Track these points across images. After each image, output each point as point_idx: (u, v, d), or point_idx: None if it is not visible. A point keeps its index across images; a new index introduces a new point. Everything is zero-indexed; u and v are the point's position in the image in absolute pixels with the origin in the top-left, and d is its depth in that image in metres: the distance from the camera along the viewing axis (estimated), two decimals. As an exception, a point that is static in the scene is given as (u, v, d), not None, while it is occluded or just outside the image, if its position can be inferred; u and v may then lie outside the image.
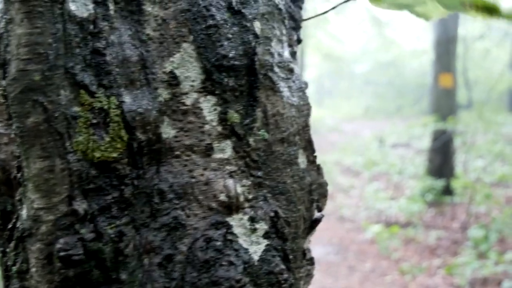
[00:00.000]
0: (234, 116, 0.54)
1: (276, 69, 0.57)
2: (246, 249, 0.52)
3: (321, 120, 21.04)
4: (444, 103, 7.34)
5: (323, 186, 0.61)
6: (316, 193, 0.60)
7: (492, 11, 0.67)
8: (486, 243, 5.22)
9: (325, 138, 15.20)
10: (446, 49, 7.38)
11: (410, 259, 5.24)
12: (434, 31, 7.75)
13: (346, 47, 30.02)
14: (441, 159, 7.35)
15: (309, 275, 0.64)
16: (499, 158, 9.18)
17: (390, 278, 4.76)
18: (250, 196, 0.54)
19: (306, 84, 0.62)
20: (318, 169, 0.61)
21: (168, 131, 0.51)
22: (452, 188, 6.91)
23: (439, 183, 6.95)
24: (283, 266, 0.54)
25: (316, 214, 0.61)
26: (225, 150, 0.54)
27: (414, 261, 5.18)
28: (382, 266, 5.09)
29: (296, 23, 0.64)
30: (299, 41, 0.65)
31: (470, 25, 20.43)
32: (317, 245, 5.71)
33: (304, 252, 0.60)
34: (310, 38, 22.85)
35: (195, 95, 0.53)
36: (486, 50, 14.48)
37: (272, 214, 0.54)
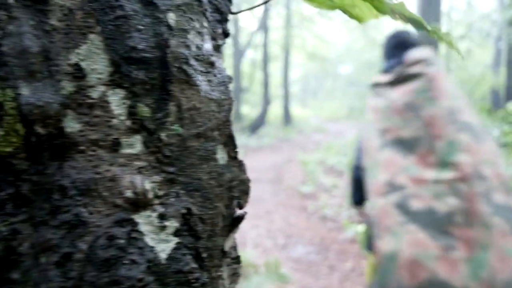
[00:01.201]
0: (144, 110, 0.52)
1: (193, 62, 0.55)
2: (152, 247, 0.50)
3: (305, 120, 21.11)
4: (426, 103, 7.39)
5: (244, 182, 0.59)
6: (237, 190, 0.59)
7: (417, 24, 0.68)
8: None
9: (309, 138, 15.25)
10: (427, 50, 7.42)
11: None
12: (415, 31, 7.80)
13: (331, 47, 30.17)
14: (422, 159, 7.39)
15: (236, 274, 0.62)
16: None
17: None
18: (161, 193, 0.52)
19: (230, 78, 0.60)
20: (240, 165, 0.60)
21: (72, 125, 0.49)
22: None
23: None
24: (194, 265, 0.53)
25: (238, 212, 0.60)
26: (134, 145, 0.52)
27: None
28: (362, 266, 5.10)
29: (222, 16, 0.62)
30: (226, 34, 0.63)
31: (453, 25, 20.63)
32: (298, 244, 5.71)
33: (224, 251, 0.58)
34: (295, 38, 22.91)
35: (102, 88, 0.51)
36: (468, 51, 14.63)
37: (184, 211, 0.53)
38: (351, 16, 0.72)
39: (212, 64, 0.58)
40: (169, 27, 0.54)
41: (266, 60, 19.55)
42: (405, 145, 2.54)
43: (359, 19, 0.72)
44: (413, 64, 2.71)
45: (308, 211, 7.14)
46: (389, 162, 2.51)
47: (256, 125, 17.89)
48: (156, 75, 0.52)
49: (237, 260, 0.62)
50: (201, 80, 0.56)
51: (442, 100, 2.57)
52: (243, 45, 20.76)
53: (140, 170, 0.51)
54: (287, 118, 20.22)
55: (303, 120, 20.55)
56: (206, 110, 0.56)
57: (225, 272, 0.61)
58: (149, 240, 0.50)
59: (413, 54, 2.78)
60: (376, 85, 2.86)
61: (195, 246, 0.53)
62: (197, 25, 0.57)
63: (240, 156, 0.60)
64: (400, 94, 2.68)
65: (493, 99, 18.97)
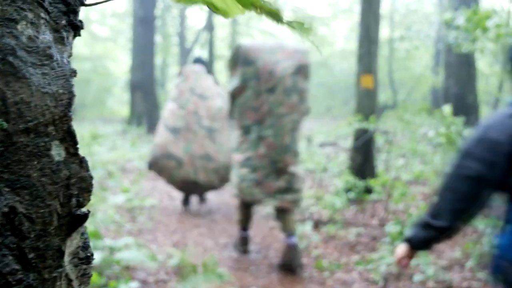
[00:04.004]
0: (-40, 103, 0.49)
1: (22, 54, 0.53)
2: (-36, 248, 0.48)
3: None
4: (366, 104, 7.52)
5: (85, 180, 0.57)
6: (76, 187, 0.56)
7: (275, 16, 0.67)
8: (401, 238, 5.38)
9: (255, 137, 15.32)
10: (367, 50, 7.57)
11: (330, 256, 5.33)
12: (357, 32, 7.93)
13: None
14: (362, 158, 7.53)
15: (85, 275, 0.60)
16: (418, 157, 9.53)
17: (308, 274, 4.82)
18: (-20, 191, 0.49)
19: (73, 71, 0.58)
20: (81, 162, 0.57)
21: None
22: (372, 186, 7.09)
23: (361, 181, 7.12)
24: (16, 266, 0.50)
25: (82, 210, 0.57)
26: None
27: (333, 257, 5.27)
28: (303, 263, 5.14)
29: (68, 7, 0.60)
30: (75, 26, 0.61)
31: (394, 27, 21.19)
32: (240, 244, 5.72)
33: (61, 251, 0.56)
34: (243, 36, 22.95)
35: None
36: (409, 52, 15.03)
37: (6, 209, 0.50)
38: (217, 11, 0.71)
39: (50, 57, 0.55)
40: (-8, 16, 0.51)
41: (212, 59, 19.46)
42: (173, 100, 6.85)
43: (225, 14, 0.71)
44: (188, 69, 7.13)
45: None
46: (168, 109, 6.85)
47: (203, 124, 17.80)
48: (-24, 67, 0.50)
49: (86, 260, 0.60)
50: (33, 73, 0.53)
51: (188, 83, 6.83)
52: (190, 43, 20.63)
53: (-46, 167, 0.48)
54: (234, 117, 20.19)
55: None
56: (39, 104, 0.53)
57: (72, 273, 0.59)
58: (-39, 241, 0.47)
59: (189, 65, 7.35)
60: (178, 76, 7.24)
61: (19, 246, 0.51)
62: (30, 15, 0.54)
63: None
64: (179, 79, 7.04)
65: (433, 99, 19.57)
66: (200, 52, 20.56)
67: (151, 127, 15.89)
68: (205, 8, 0.71)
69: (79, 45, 28.16)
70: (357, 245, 5.75)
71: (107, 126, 18.05)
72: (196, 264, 4.52)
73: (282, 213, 4.74)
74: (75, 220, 0.56)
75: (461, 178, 1.95)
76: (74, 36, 0.62)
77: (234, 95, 4.56)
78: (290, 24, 0.67)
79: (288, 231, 4.70)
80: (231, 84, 4.65)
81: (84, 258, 0.59)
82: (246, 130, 4.59)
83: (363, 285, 4.55)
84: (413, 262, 4.67)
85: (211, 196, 7.78)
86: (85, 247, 0.60)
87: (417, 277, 4.44)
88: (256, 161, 4.49)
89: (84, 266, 0.59)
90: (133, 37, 16.96)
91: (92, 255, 0.61)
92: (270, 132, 4.41)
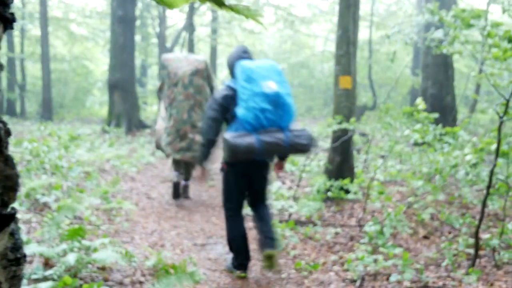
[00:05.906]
0: None
1: None
2: None
3: (233, 120, 21.12)
4: (344, 104, 7.52)
5: (10, 178, 0.55)
6: (0, 186, 0.54)
7: (216, 2, 0.66)
8: (380, 238, 5.39)
9: (235, 138, 15.30)
10: (346, 51, 7.57)
11: (308, 256, 5.32)
12: (336, 33, 7.93)
13: (263, 45, 30.36)
14: (341, 158, 7.54)
15: (16, 277, 0.58)
16: (397, 157, 9.60)
17: (286, 275, 4.80)
18: None
19: (-1, 65, 0.56)
20: (6, 160, 0.55)
21: None
22: (350, 186, 7.09)
23: (338, 182, 7.12)
24: None
25: (8, 210, 0.55)
26: None
27: (311, 258, 5.26)
28: (280, 264, 5.12)
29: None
30: (4, 18, 0.58)
31: (374, 29, 21.33)
32: (218, 244, 5.68)
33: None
34: (224, 37, 22.92)
35: None
36: (389, 54, 15.09)
37: None
38: (161, 2, 0.69)
39: (-28, 49, 0.53)
40: None
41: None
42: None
43: (169, 5, 0.70)
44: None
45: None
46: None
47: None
48: None
49: (16, 262, 0.57)
50: (-49, 66, 0.51)
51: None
52: (170, 44, 20.53)
53: None
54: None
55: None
56: (-42, 99, 0.51)
57: (1, 275, 0.57)
58: None
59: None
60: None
61: None
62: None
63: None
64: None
65: (412, 100, 19.71)
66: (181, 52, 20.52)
67: (131, 128, 15.75)
68: (185, 8, 0.69)
69: (58, 45, 27.84)
70: (335, 245, 5.75)
71: (86, 127, 17.87)
72: (172, 265, 4.48)
73: (184, 165, 7.50)
74: (0, 221, 0.54)
75: (209, 117, 4.42)
76: (5, 29, 0.60)
77: (160, 89, 7.50)
78: (234, 8, 0.66)
79: (186, 177, 7.61)
80: (160, 82, 7.57)
81: (13, 259, 0.57)
82: (166, 110, 7.35)
83: (341, 285, 4.55)
84: (390, 262, 4.68)
85: (190, 195, 7.74)
86: (16, 248, 0.58)
87: (394, 277, 4.45)
88: (169, 129, 7.23)
89: (14, 268, 0.57)
90: (111, 37, 16.81)
91: (24, 256, 0.58)
92: (175, 111, 7.17)
